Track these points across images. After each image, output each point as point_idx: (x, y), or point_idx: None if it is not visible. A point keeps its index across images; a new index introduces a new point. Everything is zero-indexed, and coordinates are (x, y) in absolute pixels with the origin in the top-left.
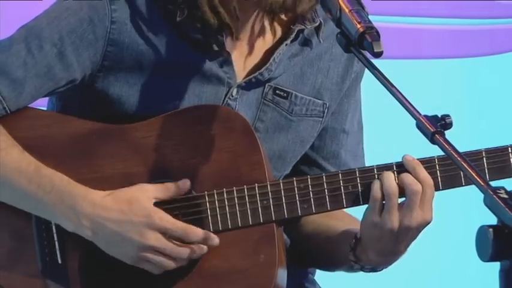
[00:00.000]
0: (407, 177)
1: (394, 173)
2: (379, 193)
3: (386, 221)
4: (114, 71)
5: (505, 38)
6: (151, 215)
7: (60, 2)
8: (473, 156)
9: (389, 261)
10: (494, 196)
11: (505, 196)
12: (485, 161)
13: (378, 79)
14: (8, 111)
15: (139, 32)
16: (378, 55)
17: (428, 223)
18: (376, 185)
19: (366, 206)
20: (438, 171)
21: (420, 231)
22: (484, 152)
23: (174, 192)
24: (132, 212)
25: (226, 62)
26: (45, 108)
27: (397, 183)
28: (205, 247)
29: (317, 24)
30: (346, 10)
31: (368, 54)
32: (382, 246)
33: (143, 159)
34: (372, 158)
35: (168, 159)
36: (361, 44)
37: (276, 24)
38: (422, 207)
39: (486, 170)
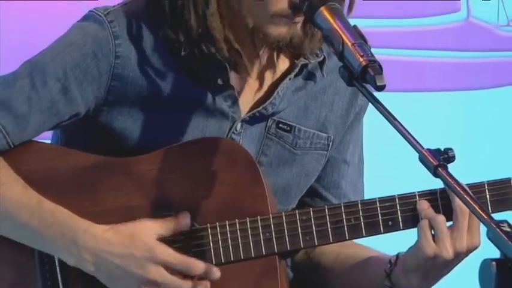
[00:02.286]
0: (454, 201)
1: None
2: (428, 226)
3: (442, 250)
4: (118, 105)
5: (507, 71)
6: (153, 249)
7: (64, 36)
8: (475, 189)
9: (432, 284)
10: (498, 230)
11: (508, 230)
12: (487, 193)
13: (380, 112)
14: (12, 146)
15: (144, 66)
16: (380, 89)
17: (477, 247)
18: (423, 222)
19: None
20: (440, 205)
21: (467, 256)
22: (486, 185)
23: (175, 226)
24: (134, 246)
25: (231, 96)
26: (49, 141)
27: None
28: (207, 281)
29: (321, 59)
30: (349, 44)
31: (371, 88)
32: (431, 272)
33: (145, 192)
34: (374, 190)
35: (170, 192)
36: (364, 77)
37: (280, 58)
38: (471, 232)
39: (488, 202)
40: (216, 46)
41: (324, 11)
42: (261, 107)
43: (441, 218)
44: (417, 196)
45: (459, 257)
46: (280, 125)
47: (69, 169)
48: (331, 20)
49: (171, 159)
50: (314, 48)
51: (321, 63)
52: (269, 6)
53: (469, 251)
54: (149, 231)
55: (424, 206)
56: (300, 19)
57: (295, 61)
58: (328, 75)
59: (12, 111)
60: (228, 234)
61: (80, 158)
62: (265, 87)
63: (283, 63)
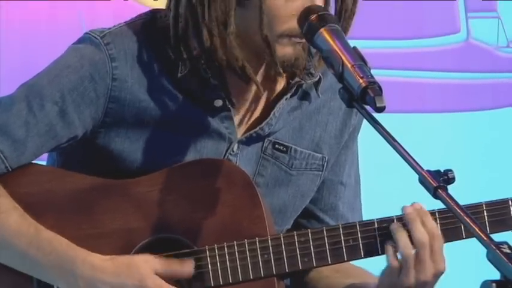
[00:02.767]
0: (415, 232)
1: (406, 232)
2: (396, 262)
3: (403, 281)
4: (115, 127)
5: (507, 92)
6: (145, 279)
7: (61, 59)
8: (473, 209)
9: None
10: (498, 251)
11: (508, 251)
12: (485, 213)
13: (380, 134)
14: (10, 170)
15: (141, 88)
16: (380, 110)
17: (443, 273)
18: (390, 251)
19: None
20: (439, 225)
21: (437, 281)
22: (484, 205)
23: (176, 271)
24: (127, 275)
25: (227, 117)
26: (45, 162)
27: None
28: None
29: (316, 79)
30: (349, 65)
31: (371, 109)
32: None
33: (144, 214)
34: (374, 212)
35: (169, 213)
36: (364, 99)
37: (276, 79)
38: (434, 259)
39: (487, 222)
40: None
41: (323, 32)
42: (257, 128)
43: (405, 243)
44: None
45: (426, 285)
46: (276, 145)
47: (67, 191)
48: (331, 42)
49: (169, 180)
50: (311, 68)
51: (316, 83)
52: (277, 27)
53: (437, 277)
54: (148, 264)
55: (393, 226)
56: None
57: (291, 81)
58: (323, 95)
59: (10, 135)
60: (227, 256)
61: (78, 180)
62: (261, 108)
63: (279, 84)
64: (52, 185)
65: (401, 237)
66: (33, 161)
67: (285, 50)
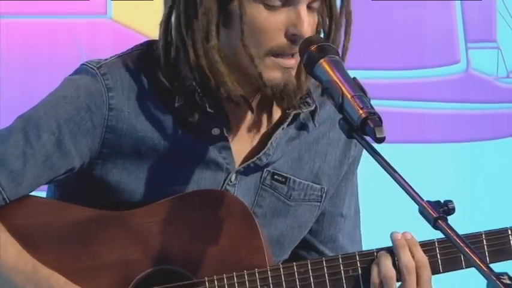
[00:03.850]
0: (402, 257)
1: (391, 256)
2: (378, 279)
3: None
4: (112, 158)
5: (507, 122)
6: None
7: (57, 90)
8: (473, 239)
9: None
10: (498, 282)
11: (509, 282)
12: (485, 243)
13: (380, 164)
14: (7, 201)
15: (137, 118)
16: (380, 141)
17: None
18: (374, 271)
19: None
20: (438, 254)
21: None
22: (483, 235)
23: None
24: None
25: (225, 147)
26: (44, 194)
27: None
28: None
29: (312, 108)
30: (349, 96)
31: (370, 140)
32: None
33: (143, 245)
34: (373, 243)
35: (167, 245)
36: (364, 129)
37: (272, 108)
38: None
39: (486, 252)
40: (216, 90)
41: (323, 63)
42: (255, 158)
43: (388, 267)
44: None
45: None
46: (275, 176)
47: (65, 223)
48: (331, 72)
49: (168, 211)
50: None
51: (313, 113)
52: (264, 43)
53: None
54: None
55: (381, 252)
56: (294, 64)
57: (287, 111)
58: (321, 126)
59: (7, 166)
60: None
61: (76, 212)
62: (258, 137)
63: (276, 113)
64: (50, 217)
65: (385, 260)
66: (31, 193)
67: (273, 75)
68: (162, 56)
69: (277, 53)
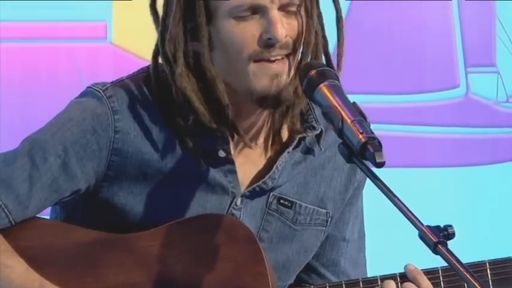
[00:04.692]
0: (409, 287)
1: (397, 284)
2: None
3: None
4: (118, 181)
5: (507, 147)
6: None
7: (63, 113)
8: (477, 268)
9: None
10: None
11: None
12: (489, 272)
13: (380, 189)
14: (13, 224)
15: (143, 141)
16: (380, 165)
17: None
18: None
19: None
20: (442, 282)
21: None
22: (487, 263)
23: None
24: None
25: (231, 171)
26: (48, 216)
27: None
28: None
29: (318, 131)
30: (348, 121)
31: (370, 164)
32: None
33: (147, 268)
34: (375, 268)
35: (171, 268)
36: (363, 154)
37: (280, 131)
38: None
39: (490, 281)
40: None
41: (323, 88)
42: (260, 182)
43: None
44: None
45: None
46: (281, 200)
47: (70, 245)
48: (331, 97)
49: (172, 235)
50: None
51: (318, 137)
52: (242, 50)
53: None
54: None
55: (385, 285)
56: (279, 69)
57: (293, 135)
58: (327, 150)
59: (14, 190)
60: None
61: (81, 234)
62: (264, 160)
63: (282, 137)
64: (55, 239)
65: (391, 287)
66: (37, 215)
67: (261, 82)
68: (153, 81)
69: (257, 59)
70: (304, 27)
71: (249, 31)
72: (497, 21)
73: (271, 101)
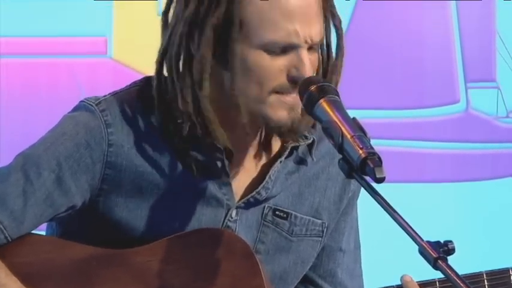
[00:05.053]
0: None
1: None
2: None
3: None
4: (113, 195)
5: (507, 162)
6: None
7: (56, 127)
8: (474, 279)
9: None
10: None
11: None
12: (486, 283)
13: (380, 204)
14: (9, 240)
15: (137, 154)
16: (380, 181)
17: None
18: None
19: None
20: None
21: None
22: (484, 274)
23: None
24: None
25: (225, 183)
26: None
27: None
28: None
29: (310, 141)
30: (348, 136)
31: (370, 180)
32: None
33: (144, 284)
34: (374, 283)
35: (169, 283)
36: (363, 169)
37: (271, 141)
38: None
39: None
40: (207, 133)
41: (323, 103)
42: (254, 192)
43: None
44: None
45: None
46: (276, 212)
47: (66, 261)
48: (331, 112)
49: (169, 250)
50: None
51: (310, 146)
52: (267, 82)
53: None
54: None
55: None
56: (296, 100)
57: (285, 144)
58: (320, 161)
59: (9, 206)
60: None
61: (77, 250)
62: (257, 170)
63: (274, 146)
64: (52, 255)
65: None
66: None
67: (279, 114)
68: (155, 95)
69: (279, 92)
70: (320, 61)
71: (277, 66)
72: (497, 36)
73: (286, 132)
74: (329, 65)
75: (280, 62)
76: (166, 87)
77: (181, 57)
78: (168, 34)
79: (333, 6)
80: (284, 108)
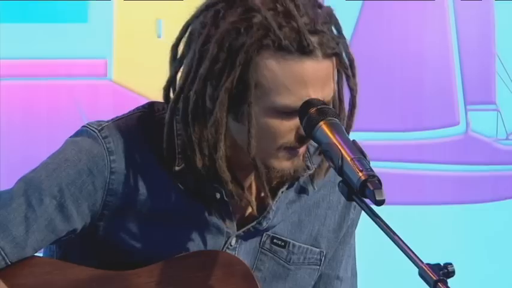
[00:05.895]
0: None
1: None
2: None
3: None
4: (114, 220)
5: (507, 184)
6: None
7: (59, 153)
8: None
9: None
10: None
11: None
12: None
13: (379, 227)
14: (9, 263)
15: (138, 181)
16: (380, 203)
17: None
18: None
19: None
20: None
21: None
22: None
23: None
24: None
25: (226, 212)
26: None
27: None
28: None
29: (312, 171)
30: (348, 159)
31: (370, 202)
32: None
33: None
34: None
35: None
36: (363, 192)
37: None
38: None
39: None
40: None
41: (323, 125)
42: (255, 222)
43: None
44: None
45: None
46: (274, 240)
47: (66, 283)
48: (330, 135)
49: (169, 272)
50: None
51: (312, 176)
52: (277, 140)
53: None
54: None
55: None
56: (303, 150)
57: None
58: (321, 189)
59: (11, 232)
60: None
61: (77, 271)
62: (258, 199)
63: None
64: (51, 277)
65: None
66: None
67: (283, 164)
68: (165, 134)
69: (287, 147)
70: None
71: (288, 126)
72: (496, 58)
73: (288, 177)
74: (340, 118)
75: (291, 123)
76: (179, 130)
77: (197, 115)
78: (182, 82)
79: (346, 68)
80: (289, 159)
